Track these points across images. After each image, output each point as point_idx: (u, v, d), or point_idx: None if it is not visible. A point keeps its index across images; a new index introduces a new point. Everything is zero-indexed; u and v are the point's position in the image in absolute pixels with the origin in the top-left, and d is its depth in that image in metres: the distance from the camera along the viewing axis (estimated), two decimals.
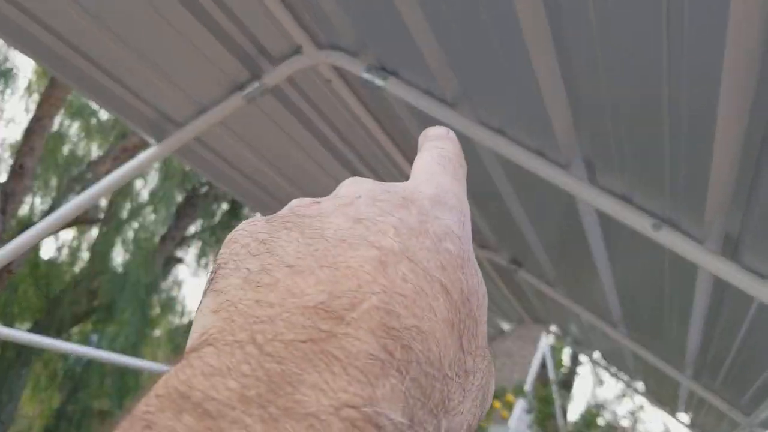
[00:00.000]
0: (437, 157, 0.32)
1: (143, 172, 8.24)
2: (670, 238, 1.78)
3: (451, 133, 0.35)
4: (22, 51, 1.89)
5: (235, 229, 0.26)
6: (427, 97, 2.00)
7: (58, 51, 1.87)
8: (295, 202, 0.27)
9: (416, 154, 0.33)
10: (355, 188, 0.27)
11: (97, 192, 2.27)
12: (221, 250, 0.25)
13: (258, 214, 3.17)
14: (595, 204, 1.88)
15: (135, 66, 1.99)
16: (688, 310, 2.76)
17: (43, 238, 2.24)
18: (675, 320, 3.03)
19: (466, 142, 2.30)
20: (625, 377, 5.76)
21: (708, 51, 1.21)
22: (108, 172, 9.34)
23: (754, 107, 1.31)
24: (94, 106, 8.81)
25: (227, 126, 2.40)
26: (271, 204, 2.93)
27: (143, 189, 9.65)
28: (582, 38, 1.41)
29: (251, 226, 0.26)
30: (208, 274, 0.25)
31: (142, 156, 2.25)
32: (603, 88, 1.53)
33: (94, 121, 8.64)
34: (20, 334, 2.75)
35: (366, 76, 2.03)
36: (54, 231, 7.91)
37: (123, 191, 8.81)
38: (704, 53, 1.23)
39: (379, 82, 2.03)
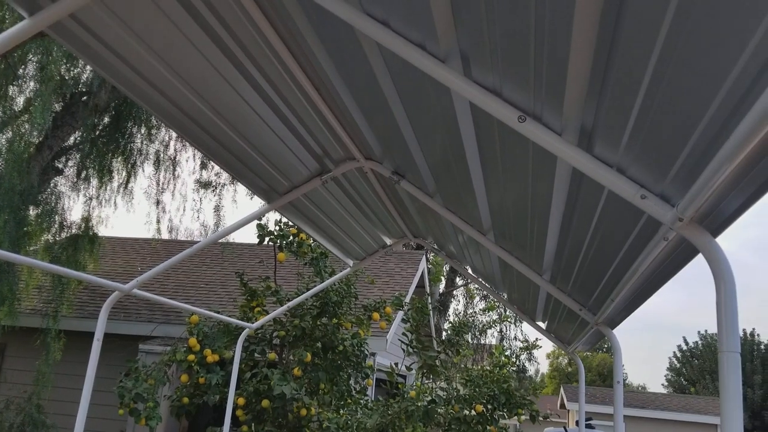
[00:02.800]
0: None
1: (12, 50, 7.61)
2: (532, 130, 1.96)
3: None
4: None
5: None
6: None
7: None
8: None
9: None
10: None
11: None
12: None
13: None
14: (469, 97, 2.02)
15: None
16: (546, 214, 3.03)
17: None
18: (536, 225, 3.31)
19: (351, 34, 2.35)
20: (492, 289, 6.21)
21: None
22: None
23: (605, 8, 1.46)
24: None
25: (106, 5, 2.31)
26: (153, 94, 2.86)
27: (18, 95, 8.94)
28: None
29: None
30: None
31: (13, 29, 2.13)
32: None
33: None
34: None
35: None
36: None
37: None
38: None
39: None
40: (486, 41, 1.84)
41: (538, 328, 6.02)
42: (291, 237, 8.28)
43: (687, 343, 45.77)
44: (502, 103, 1.99)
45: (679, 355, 46.61)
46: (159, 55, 2.64)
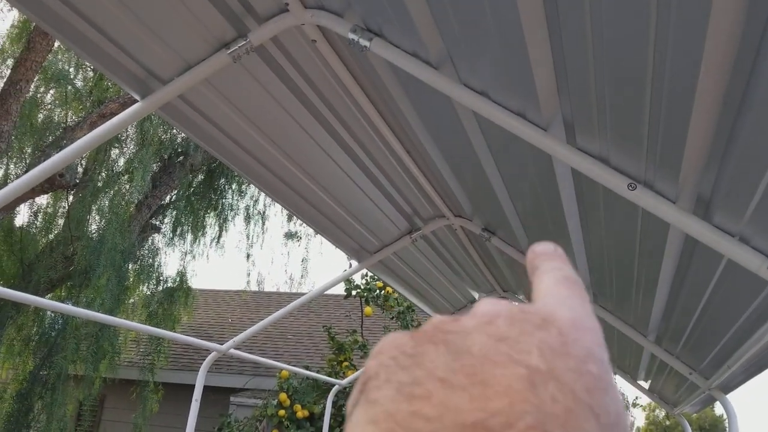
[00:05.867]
0: (561, 279, 0.31)
1: (125, 129, 8.10)
2: (644, 198, 1.86)
3: (559, 249, 0.34)
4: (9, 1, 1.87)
5: (380, 343, 0.27)
6: (411, 59, 2.03)
7: (45, 1, 1.85)
8: (436, 318, 0.28)
9: (534, 274, 0.32)
10: (493, 308, 0.27)
11: (82, 146, 2.25)
12: (369, 362, 0.27)
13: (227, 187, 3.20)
14: (573, 165, 1.94)
15: (122, 20, 1.98)
16: (655, 276, 2.87)
17: (22, 192, 2.22)
18: (642, 286, 3.14)
19: (447, 105, 2.34)
20: None
21: (693, 21, 1.27)
22: None
23: (732, 76, 1.38)
24: (70, 72, 8.60)
25: (212, 84, 2.40)
26: (252, 164, 2.94)
27: (119, 157, 9.52)
28: (573, 3, 1.45)
29: (396, 340, 0.27)
30: (357, 385, 0.26)
31: (127, 112, 2.24)
32: (590, 52, 1.58)
33: (70, 87, 8.44)
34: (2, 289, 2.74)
35: (351, 36, 2.05)
36: (33, 190, 7.77)
37: (99, 159, 8.67)
38: (690, 23, 1.28)
39: (364, 42, 2.05)
40: (593, 109, 1.78)
41: (640, 388, 5.69)
42: (377, 290, 8.28)
43: None
44: (610, 170, 1.90)
45: None
46: (257, 124, 2.72)
